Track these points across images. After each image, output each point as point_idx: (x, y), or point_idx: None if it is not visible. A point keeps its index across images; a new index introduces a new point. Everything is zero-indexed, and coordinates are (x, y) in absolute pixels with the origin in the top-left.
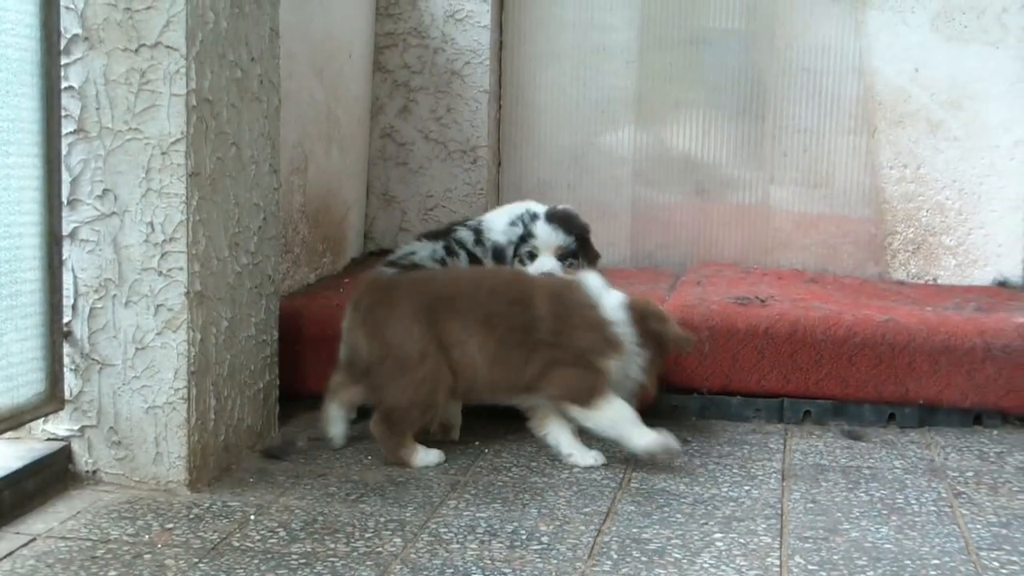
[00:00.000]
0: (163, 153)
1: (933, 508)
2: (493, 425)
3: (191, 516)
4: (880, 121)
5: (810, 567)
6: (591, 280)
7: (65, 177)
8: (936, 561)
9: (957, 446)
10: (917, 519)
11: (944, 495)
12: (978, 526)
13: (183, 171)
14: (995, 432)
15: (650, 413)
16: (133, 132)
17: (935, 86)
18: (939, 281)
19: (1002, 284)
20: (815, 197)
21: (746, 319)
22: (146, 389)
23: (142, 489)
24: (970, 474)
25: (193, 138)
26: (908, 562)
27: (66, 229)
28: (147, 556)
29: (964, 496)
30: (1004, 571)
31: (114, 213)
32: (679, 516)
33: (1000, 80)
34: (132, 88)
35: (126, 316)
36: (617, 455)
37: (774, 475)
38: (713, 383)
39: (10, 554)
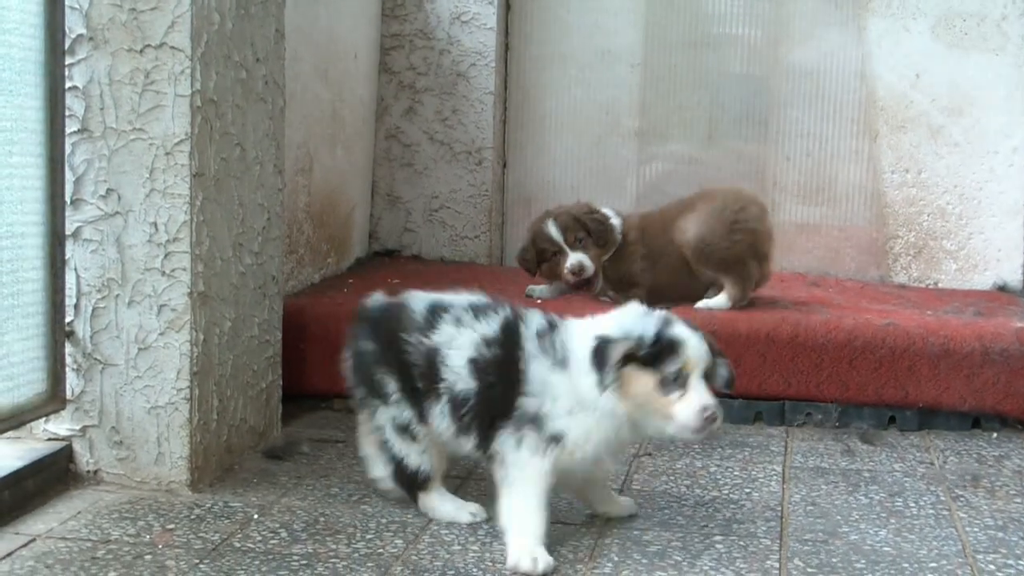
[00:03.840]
0: (167, 153)
1: (931, 511)
2: None
3: (192, 517)
4: (882, 126)
5: (809, 570)
6: None
7: (69, 176)
8: (934, 564)
9: (956, 449)
10: (915, 522)
11: (943, 498)
12: (975, 529)
13: (187, 171)
14: (993, 435)
15: None
16: (137, 132)
17: (936, 92)
18: (940, 285)
19: (1002, 288)
20: (818, 201)
21: (748, 323)
22: (148, 389)
23: (143, 489)
24: (968, 477)
25: (197, 139)
26: (906, 565)
27: (69, 228)
28: (148, 557)
29: (962, 499)
30: (1000, 574)
31: (118, 213)
32: (680, 518)
33: (1000, 86)
34: (136, 88)
35: (129, 316)
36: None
37: (775, 478)
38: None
39: (9, 555)
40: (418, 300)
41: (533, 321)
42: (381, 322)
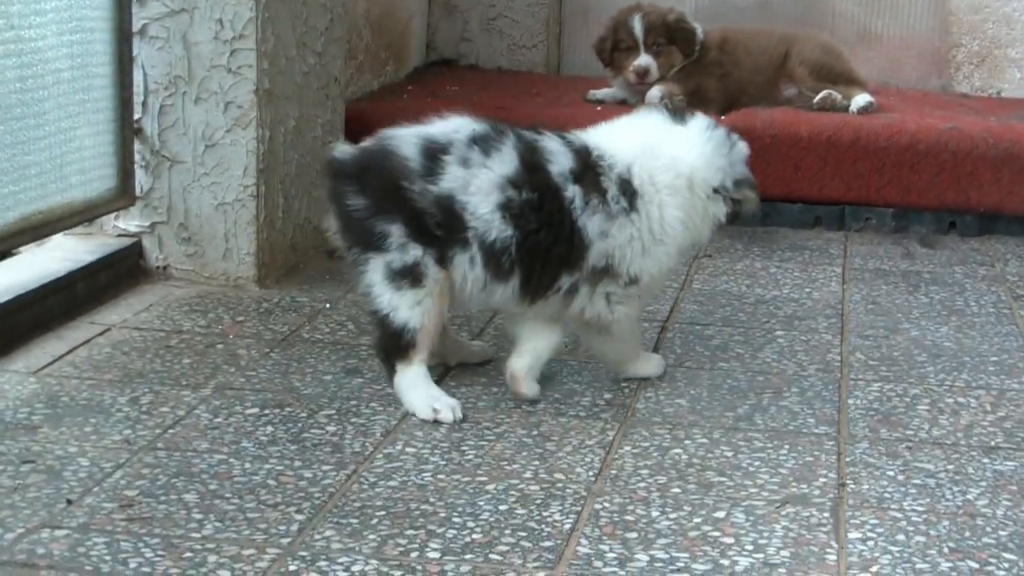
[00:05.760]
0: None
1: (992, 310)
2: None
3: (261, 310)
4: None
5: (871, 362)
6: None
7: None
8: (995, 358)
9: (1017, 253)
10: (976, 319)
11: (1004, 298)
12: None
13: None
14: None
15: None
16: None
17: None
18: (1003, 94)
19: None
20: (879, 9)
21: (809, 126)
22: (216, 186)
23: (212, 285)
24: None
25: None
26: (967, 358)
27: (136, 25)
28: (219, 346)
29: (1023, 299)
30: None
31: (183, 10)
32: (741, 315)
33: None
34: None
35: (196, 113)
36: None
37: (835, 279)
38: (775, 190)
39: (87, 342)
40: (403, 141)
41: (560, 157)
42: (361, 169)
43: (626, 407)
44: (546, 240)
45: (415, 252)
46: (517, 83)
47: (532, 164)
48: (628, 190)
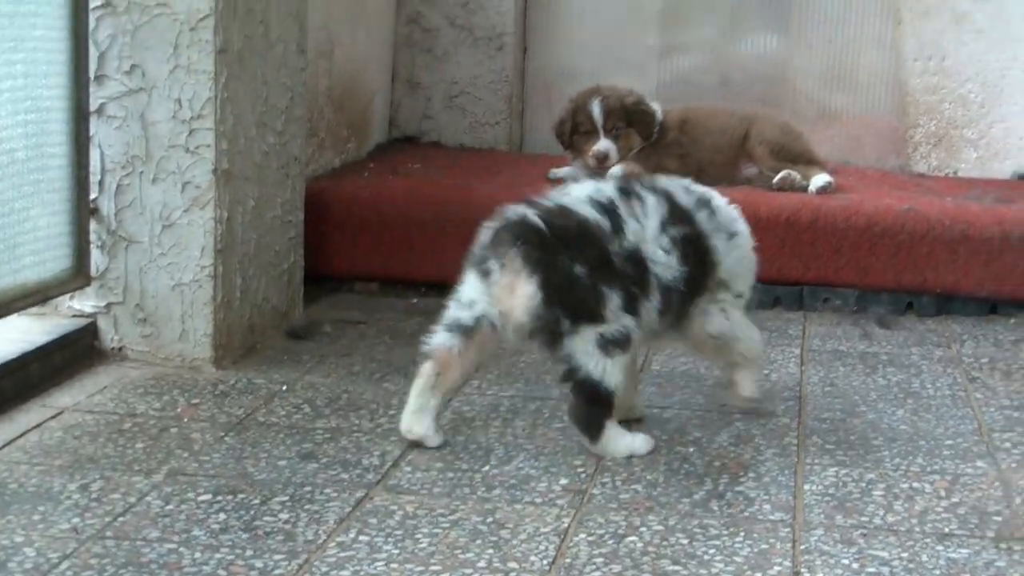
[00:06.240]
0: (191, 29)
1: (948, 392)
2: None
3: (217, 392)
4: (905, 12)
5: (827, 447)
6: None
7: (93, 52)
8: (950, 442)
9: (973, 334)
10: (932, 402)
11: (959, 380)
12: (991, 409)
13: (211, 47)
14: (1011, 321)
15: None
16: (161, 7)
17: None
18: (959, 174)
19: (1022, 177)
20: (839, 89)
21: (768, 206)
22: (172, 266)
23: (167, 366)
24: (985, 360)
25: (222, 14)
26: (923, 442)
27: (93, 105)
28: (173, 430)
29: (979, 381)
30: (1016, 451)
31: (141, 89)
32: (699, 398)
33: None
34: None
35: (153, 193)
36: None
37: (793, 360)
38: None
39: (38, 426)
40: (580, 205)
41: (682, 193)
42: (569, 236)
43: (582, 493)
44: (695, 268)
45: (626, 320)
46: (479, 160)
47: (669, 200)
48: (726, 226)
